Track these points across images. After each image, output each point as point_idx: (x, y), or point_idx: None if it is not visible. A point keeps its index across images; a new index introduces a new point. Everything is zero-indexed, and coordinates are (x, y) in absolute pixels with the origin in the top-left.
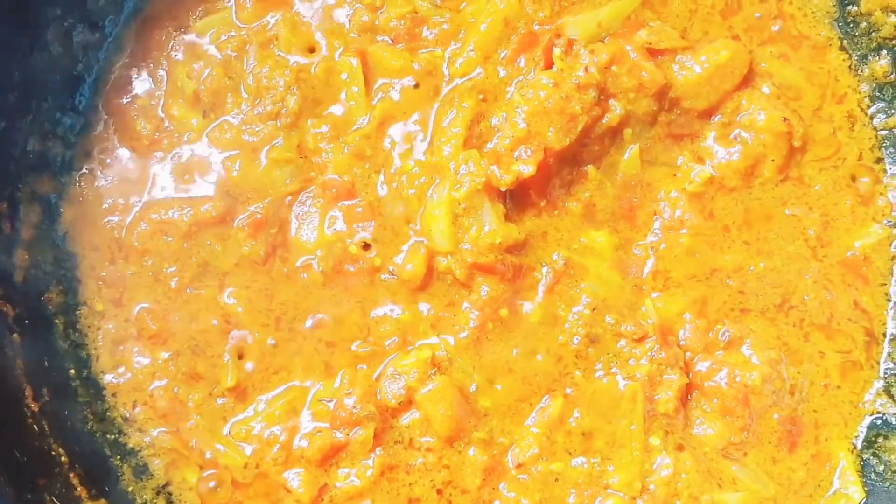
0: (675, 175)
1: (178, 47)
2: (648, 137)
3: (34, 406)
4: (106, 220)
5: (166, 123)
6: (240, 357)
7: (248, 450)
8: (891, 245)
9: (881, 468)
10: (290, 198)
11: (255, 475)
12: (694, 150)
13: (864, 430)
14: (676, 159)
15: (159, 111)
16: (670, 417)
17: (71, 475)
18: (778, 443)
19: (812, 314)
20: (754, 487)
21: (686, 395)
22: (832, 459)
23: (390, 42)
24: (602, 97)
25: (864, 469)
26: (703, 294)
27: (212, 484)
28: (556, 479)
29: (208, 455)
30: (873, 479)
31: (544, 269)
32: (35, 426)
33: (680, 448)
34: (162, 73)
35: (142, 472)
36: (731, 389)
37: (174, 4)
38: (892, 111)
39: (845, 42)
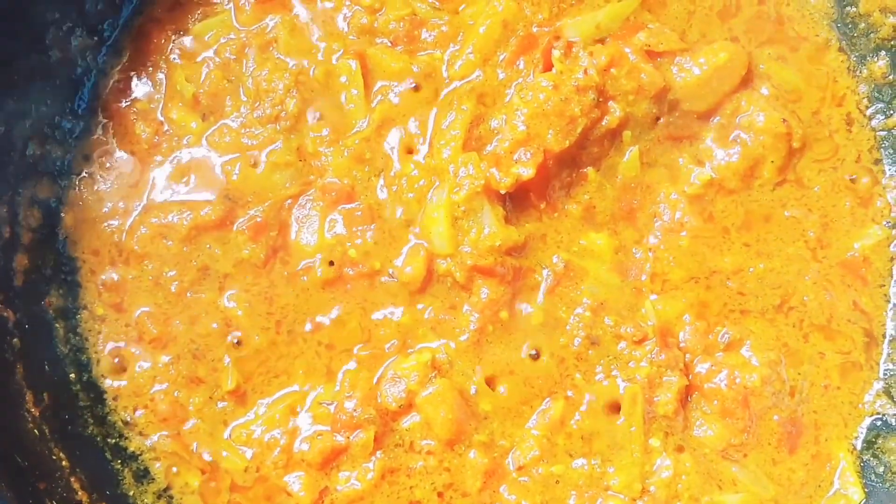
0: (674, 177)
1: (176, 50)
2: (648, 139)
3: (35, 410)
4: (106, 224)
5: (165, 127)
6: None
7: (249, 453)
8: (890, 246)
9: (881, 469)
10: (289, 201)
11: (256, 478)
12: (693, 152)
13: (864, 430)
14: (676, 161)
15: (158, 115)
16: (670, 419)
17: (72, 479)
18: (778, 444)
19: (812, 315)
20: (754, 489)
21: (686, 396)
22: (832, 460)
23: (389, 44)
24: (601, 99)
25: (863, 470)
26: (702, 296)
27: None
28: (557, 482)
29: (209, 458)
30: (873, 480)
31: (544, 272)
32: (35, 430)
33: (680, 449)
34: (161, 76)
35: (142, 476)
36: (731, 391)
37: (173, 8)
38: (891, 112)
39: (844, 43)
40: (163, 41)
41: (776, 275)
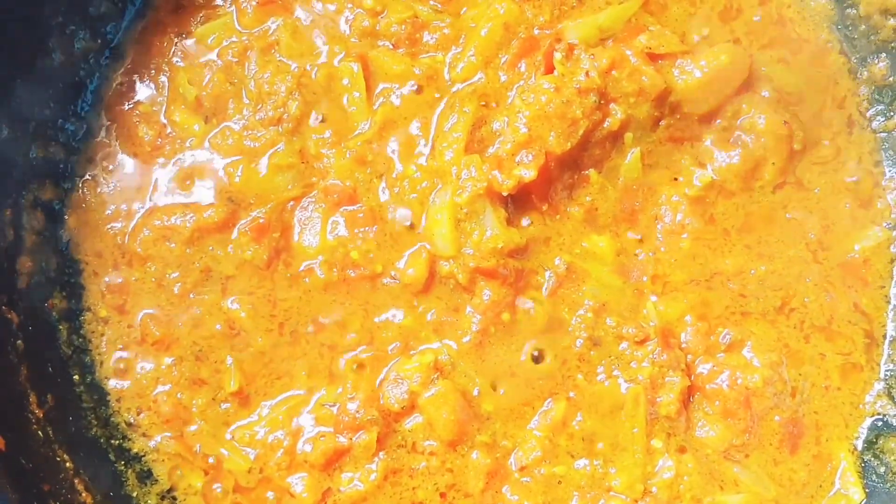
0: (676, 179)
1: (179, 53)
2: (649, 141)
3: (38, 412)
4: (109, 226)
5: (168, 129)
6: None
7: (252, 454)
8: (890, 247)
9: (882, 469)
10: (292, 203)
11: (259, 479)
12: (695, 154)
13: (865, 431)
14: (677, 163)
15: (161, 117)
16: (672, 420)
17: (76, 481)
18: (779, 444)
19: (812, 316)
20: (756, 489)
21: (688, 397)
22: (833, 460)
23: (391, 47)
24: (603, 102)
25: (864, 470)
26: (703, 297)
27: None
28: (559, 482)
29: (212, 460)
30: (874, 481)
31: (546, 274)
32: (39, 432)
33: (682, 450)
34: (163, 79)
35: (146, 477)
36: (733, 391)
37: (175, 10)
38: (891, 113)
39: (844, 45)
40: (165, 44)
41: (777, 276)
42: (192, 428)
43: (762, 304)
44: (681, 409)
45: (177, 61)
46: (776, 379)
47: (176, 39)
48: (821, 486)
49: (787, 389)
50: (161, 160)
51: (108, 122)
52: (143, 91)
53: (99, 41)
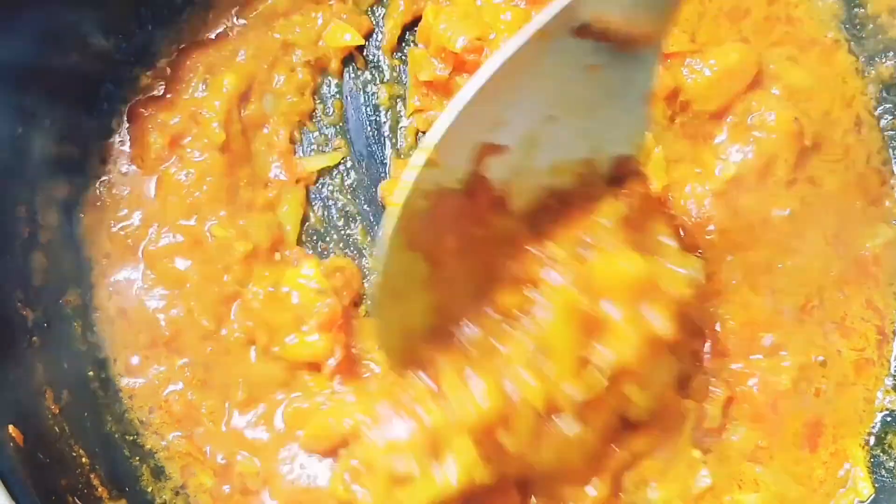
0: (696, 174)
1: (201, 84)
2: (667, 139)
3: (55, 408)
4: (119, 226)
5: (183, 139)
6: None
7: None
8: None
9: (891, 464)
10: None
11: (265, 480)
12: (710, 151)
13: (876, 426)
14: (698, 158)
15: (173, 125)
16: (713, 432)
17: (92, 476)
18: (801, 444)
19: (829, 314)
20: (775, 489)
21: (727, 407)
22: (846, 457)
23: None
24: None
25: (874, 465)
26: (745, 299)
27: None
28: None
29: (221, 460)
30: (883, 476)
31: None
32: (56, 428)
33: (707, 451)
34: (185, 96)
35: (160, 472)
36: (762, 394)
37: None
38: None
39: (852, 44)
40: (188, 63)
41: (800, 272)
42: (202, 430)
43: (790, 301)
44: (724, 422)
45: (200, 89)
46: (802, 380)
47: (200, 67)
48: (835, 483)
49: (812, 389)
50: (172, 170)
51: (124, 126)
52: (159, 100)
53: (120, 45)
